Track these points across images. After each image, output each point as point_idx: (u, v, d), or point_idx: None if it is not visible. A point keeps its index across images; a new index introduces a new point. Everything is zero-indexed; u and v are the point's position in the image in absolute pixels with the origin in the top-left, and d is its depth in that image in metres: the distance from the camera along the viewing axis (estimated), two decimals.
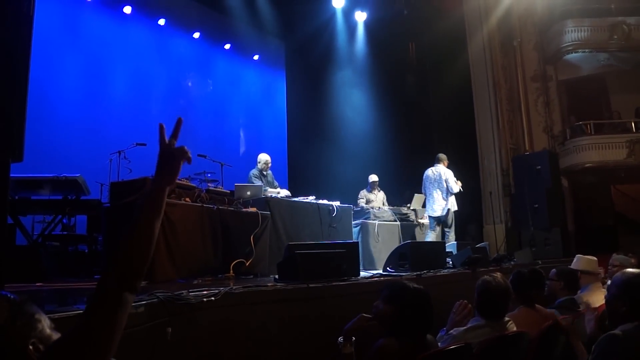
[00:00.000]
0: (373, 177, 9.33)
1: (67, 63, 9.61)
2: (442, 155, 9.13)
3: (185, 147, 1.45)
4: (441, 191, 8.80)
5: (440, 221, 8.86)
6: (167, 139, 1.45)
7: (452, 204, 8.82)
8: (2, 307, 1.17)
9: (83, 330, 1.17)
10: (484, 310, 2.88)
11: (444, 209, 8.75)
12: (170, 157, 1.42)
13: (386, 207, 9.00)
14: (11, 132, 2.75)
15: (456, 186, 8.82)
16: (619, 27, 12.96)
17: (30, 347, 1.15)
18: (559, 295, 4.00)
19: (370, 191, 9.30)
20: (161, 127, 1.46)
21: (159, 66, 11.40)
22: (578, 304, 3.93)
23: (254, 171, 7.85)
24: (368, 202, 9.10)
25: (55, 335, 1.22)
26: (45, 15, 8.63)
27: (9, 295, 1.21)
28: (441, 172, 8.88)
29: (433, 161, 9.10)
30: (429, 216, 8.95)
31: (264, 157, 7.98)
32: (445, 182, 8.78)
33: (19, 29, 2.82)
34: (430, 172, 9.02)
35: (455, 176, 8.97)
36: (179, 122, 1.50)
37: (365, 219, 8.21)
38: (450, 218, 8.87)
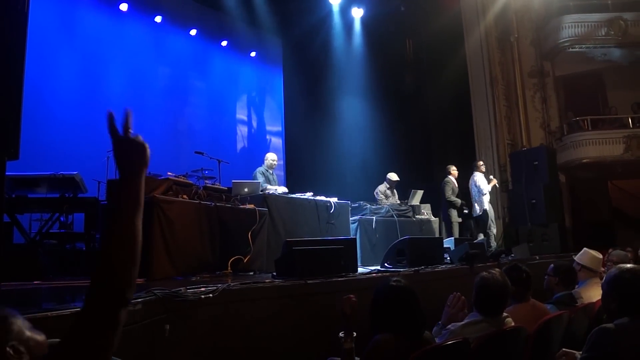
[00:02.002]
0: (395, 176, 9.60)
1: (63, 60, 9.56)
2: (475, 163, 10.36)
3: (138, 135, 1.30)
4: (475, 194, 9.95)
5: (478, 220, 10.00)
6: (119, 131, 1.29)
7: (486, 203, 9.87)
8: None
9: (75, 352, 1.11)
10: (482, 306, 2.86)
11: (478, 209, 9.85)
12: (130, 143, 1.29)
13: (396, 200, 9.35)
14: (7, 131, 2.75)
15: (486, 187, 9.91)
16: (616, 22, 12.96)
17: (9, 349, 1.09)
18: (556, 291, 4.00)
19: (389, 188, 9.56)
20: (110, 116, 1.28)
21: (155, 63, 11.36)
22: (576, 299, 3.94)
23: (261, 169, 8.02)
24: (386, 197, 9.40)
25: (37, 336, 1.17)
26: (40, 12, 8.58)
27: None
28: (473, 177, 10.05)
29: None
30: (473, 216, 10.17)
31: (271, 155, 8.24)
32: (476, 185, 9.91)
33: (14, 26, 2.81)
34: (470, 180, 10.22)
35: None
36: (127, 115, 1.31)
37: (363, 215, 8.22)
38: (486, 216, 9.88)
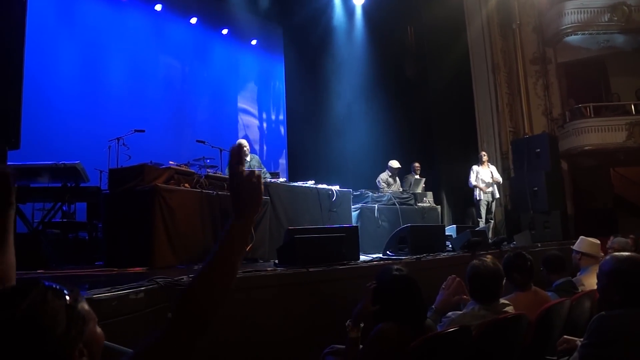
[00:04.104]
0: (397, 164, 9.54)
1: (63, 50, 9.53)
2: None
3: (255, 172, 1.29)
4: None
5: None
6: (236, 167, 1.27)
7: (481, 194, 10.01)
8: (59, 312, 1.02)
9: None
10: (478, 294, 2.86)
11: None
12: (243, 185, 1.26)
13: (398, 187, 9.33)
14: (7, 121, 2.75)
15: (473, 179, 10.02)
16: (619, 8, 12.84)
17: (77, 352, 1.04)
18: (551, 279, 4.03)
19: (391, 176, 9.52)
20: (232, 153, 1.28)
21: (156, 52, 11.32)
22: (577, 286, 3.95)
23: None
24: (388, 185, 9.36)
25: (99, 330, 1.12)
26: (39, 2, 8.55)
27: (64, 292, 1.06)
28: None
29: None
30: None
31: (239, 142, 8.13)
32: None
33: (13, 16, 2.80)
34: None
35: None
36: (233, 149, 1.28)
37: (365, 203, 8.21)
38: (478, 206, 10.09)
